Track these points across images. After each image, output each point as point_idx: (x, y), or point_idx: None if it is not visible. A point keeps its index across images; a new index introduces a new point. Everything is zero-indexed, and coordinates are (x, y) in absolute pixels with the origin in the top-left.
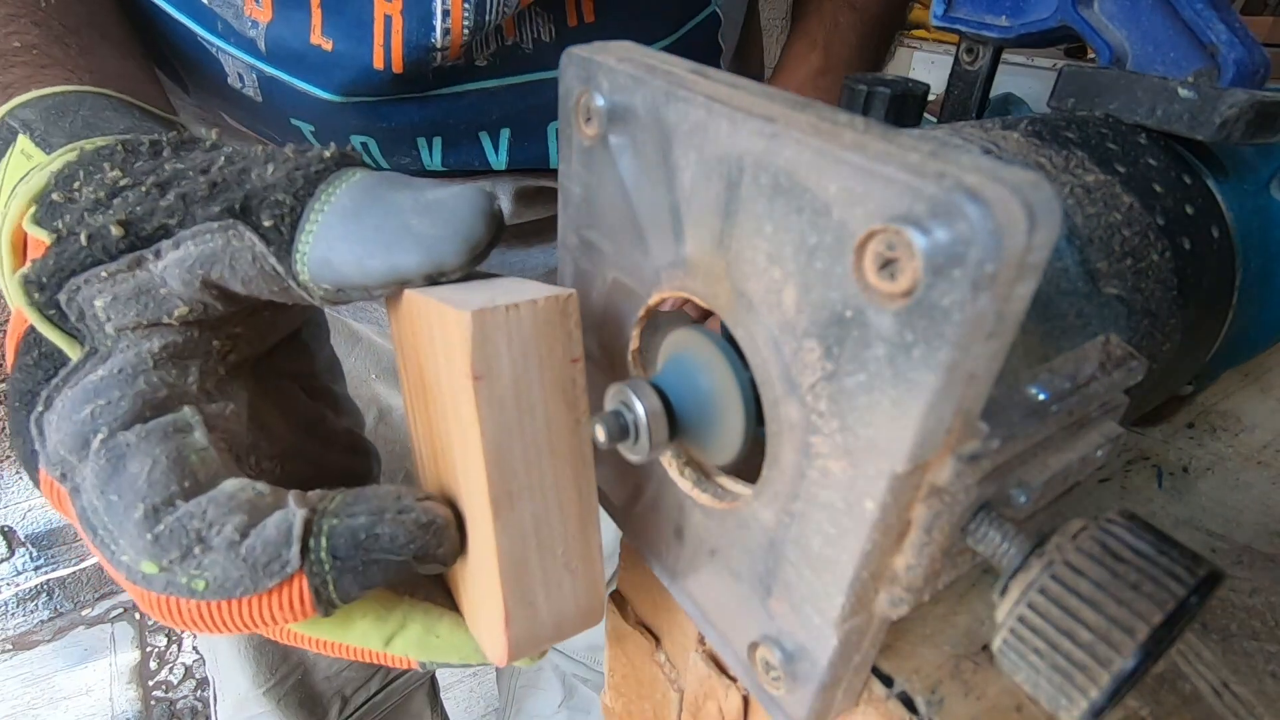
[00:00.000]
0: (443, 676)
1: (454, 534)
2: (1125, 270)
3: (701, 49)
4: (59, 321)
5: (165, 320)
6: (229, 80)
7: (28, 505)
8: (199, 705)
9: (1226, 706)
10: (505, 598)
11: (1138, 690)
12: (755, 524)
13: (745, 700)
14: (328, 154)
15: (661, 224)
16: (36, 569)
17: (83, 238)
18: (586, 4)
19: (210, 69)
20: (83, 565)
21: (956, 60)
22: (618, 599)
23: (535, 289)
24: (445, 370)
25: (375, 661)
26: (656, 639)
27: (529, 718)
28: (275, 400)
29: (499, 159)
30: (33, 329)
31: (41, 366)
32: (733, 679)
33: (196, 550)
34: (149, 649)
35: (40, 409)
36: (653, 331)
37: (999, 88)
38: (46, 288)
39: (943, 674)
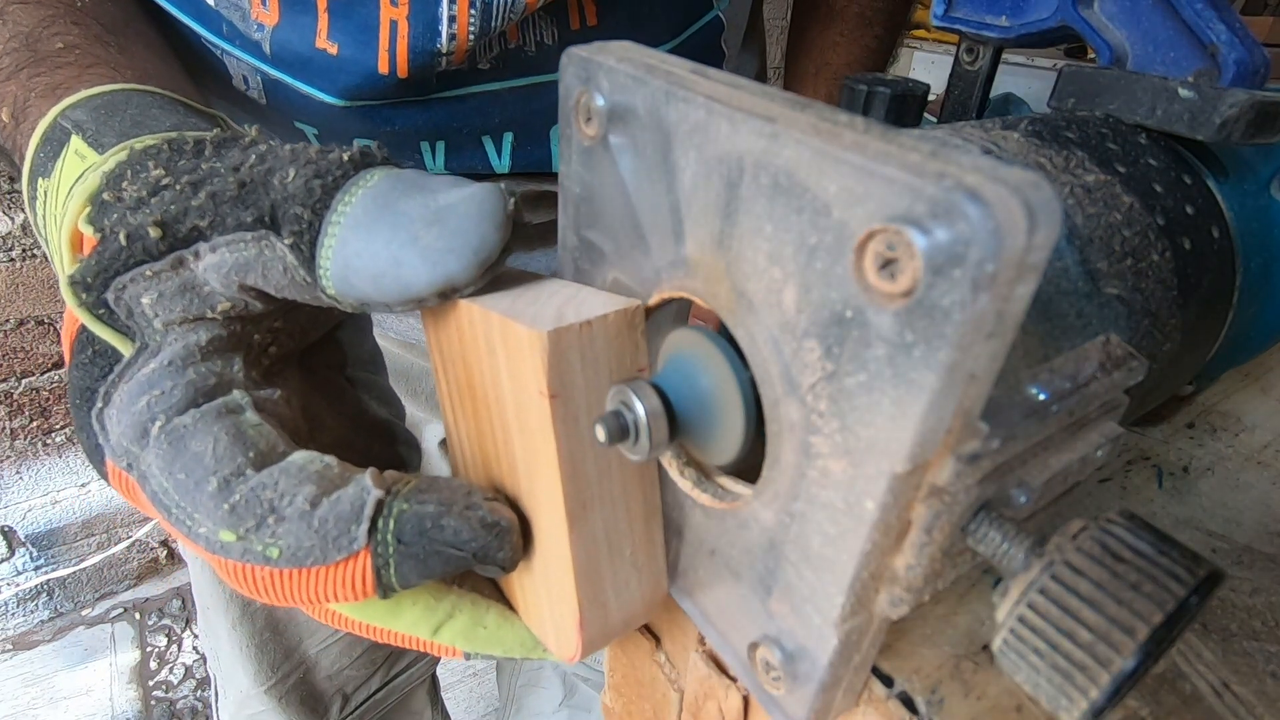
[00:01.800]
0: (444, 675)
1: (517, 540)
2: (1125, 270)
3: (704, 54)
4: (109, 320)
5: (209, 315)
6: (233, 83)
7: (28, 505)
8: (199, 705)
9: (1227, 706)
10: (580, 601)
11: (1138, 690)
12: (755, 524)
13: (745, 700)
14: (346, 156)
15: (661, 224)
16: (36, 569)
17: (121, 238)
18: (589, 7)
19: (215, 71)
20: (83, 565)
21: (956, 60)
22: None
23: (594, 298)
24: (510, 383)
25: (421, 649)
26: (656, 639)
27: (529, 716)
28: (323, 392)
29: (502, 163)
30: (85, 327)
31: (97, 364)
32: (733, 679)
33: (270, 520)
34: (149, 649)
35: (100, 405)
36: (653, 331)
37: (999, 88)
38: (92, 288)
39: (943, 674)
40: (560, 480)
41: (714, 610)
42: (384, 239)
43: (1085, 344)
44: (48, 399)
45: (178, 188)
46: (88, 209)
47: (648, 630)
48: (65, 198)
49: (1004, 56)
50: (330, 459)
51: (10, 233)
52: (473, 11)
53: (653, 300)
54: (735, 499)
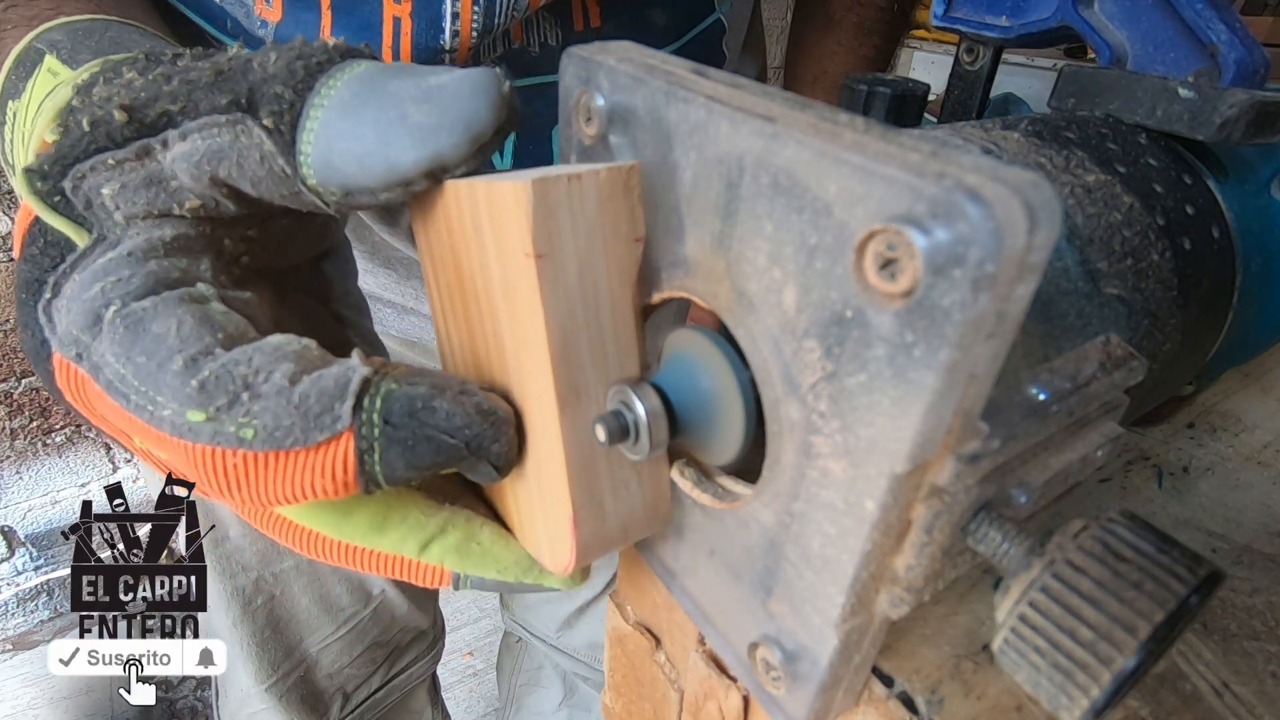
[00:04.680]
0: (444, 675)
1: (513, 434)
2: (1125, 270)
3: (706, 56)
4: (64, 210)
5: (176, 211)
6: None
7: (28, 505)
8: (199, 705)
9: (1226, 706)
10: (573, 497)
11: (1138, 690)
12: (755, 524)
13: (745, 700)
14: (332, 44)
15: (662, 224)
16: (36, 569)
17: (85, 123)
18: (593, 9)
19: None
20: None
21: (956, 60)
22: (617, 599)
23: (587, 166)
24: (497, 258)
25: (405, 577)
26: (656, 639)
27: (530, 716)
28: (303, 319)
29: (504, 162)
30: (39, 219)
31: (48, 254)
32: (733, 679)
33: (245, 396)
34: None
35: (49, 296)
36: (653, 331)
37: (999, 88)
38: (50, 176)
39: (943, 674)
40: (549, 355)
41: (714, 610)
42: (371, 119)
43: (1085, 344)
44: (48, 399)
45: (150, 78)
46: (56, 122)
47: (648, 630)
48: (35, 114)
49: (1004, 56)
50: (310, 341)
51: (10, 233)
52: (476, 8)
53: (653, 300)
54: (735, 499)
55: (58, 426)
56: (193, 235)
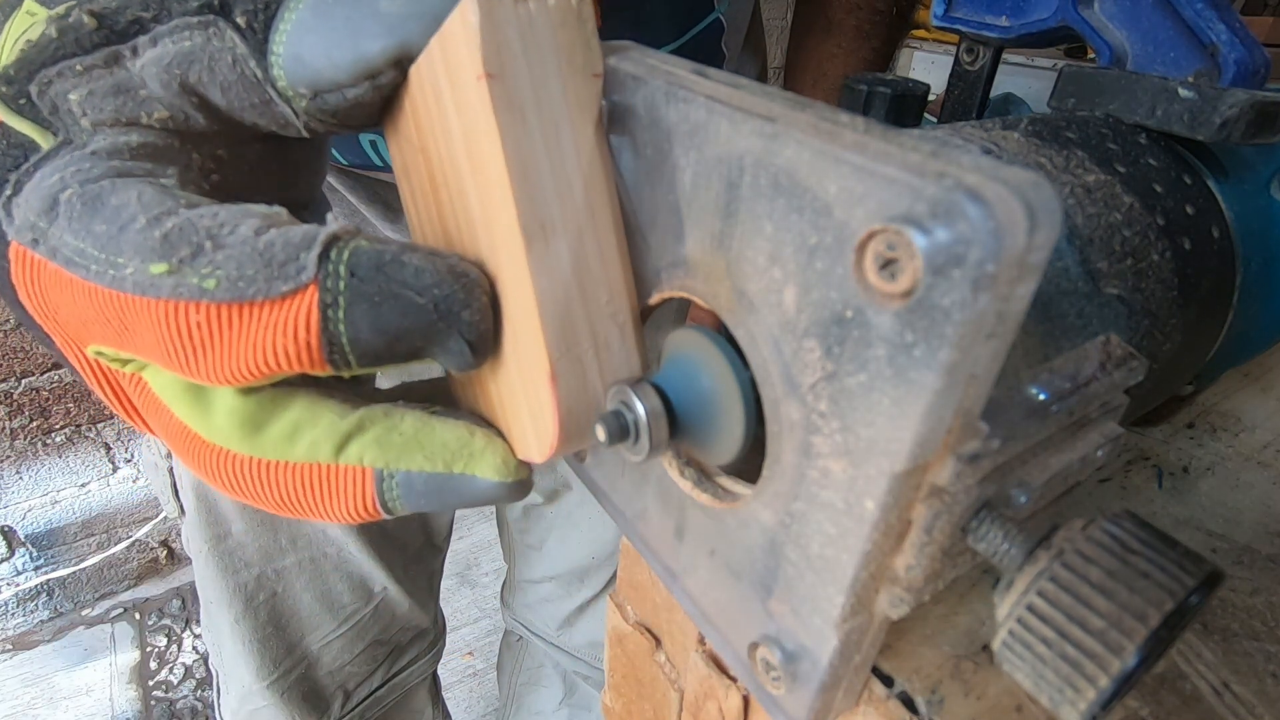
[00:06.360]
0: (444, 675)
1: (486, 301)
2: (1126, 270)
3: (705, 55)
4: (29, 113)
5: (144, 121)
6: None
7: (28, 505)
8: (199, 705)
9: (1227, 707)
10: (549, 348)
11: (1138, 690)
12: (755, 524)
13: (745, 700)
14: None
15: (661, 224)
16: (36, 569)
17: (53, 31)
18: (594, 8)
19: None
20: (82, 565)
21: (956, 60)
22: (617, 599)
23: None
24: (456, 107)
25: (321, 496)
26: (656, 639)
27: (530, 715)
28: None
29: None
30: (2, 123)
31: (10, 155)
32: (733, 679)
33: (208, 246)
34: (149, 649)
35: (9, 193)
36: (653, 331)
37: (999, 88)
38: (15, 80)
39: (943, 674)
40: (509, 182)
41: (714, 610)
42: (343, 14)
43: (1085, 344)
44: (48, 399)
45: None
46: None
47: (648, 630)
48: (10, 49)
49: (1004, 56)
50: (279, 208)
51: None
52: None
53: (653, 300)
54: (735, 499)
55: (58, 426)
56: (160, 145)
